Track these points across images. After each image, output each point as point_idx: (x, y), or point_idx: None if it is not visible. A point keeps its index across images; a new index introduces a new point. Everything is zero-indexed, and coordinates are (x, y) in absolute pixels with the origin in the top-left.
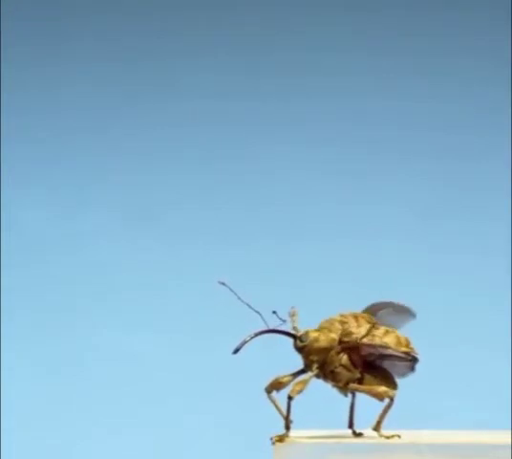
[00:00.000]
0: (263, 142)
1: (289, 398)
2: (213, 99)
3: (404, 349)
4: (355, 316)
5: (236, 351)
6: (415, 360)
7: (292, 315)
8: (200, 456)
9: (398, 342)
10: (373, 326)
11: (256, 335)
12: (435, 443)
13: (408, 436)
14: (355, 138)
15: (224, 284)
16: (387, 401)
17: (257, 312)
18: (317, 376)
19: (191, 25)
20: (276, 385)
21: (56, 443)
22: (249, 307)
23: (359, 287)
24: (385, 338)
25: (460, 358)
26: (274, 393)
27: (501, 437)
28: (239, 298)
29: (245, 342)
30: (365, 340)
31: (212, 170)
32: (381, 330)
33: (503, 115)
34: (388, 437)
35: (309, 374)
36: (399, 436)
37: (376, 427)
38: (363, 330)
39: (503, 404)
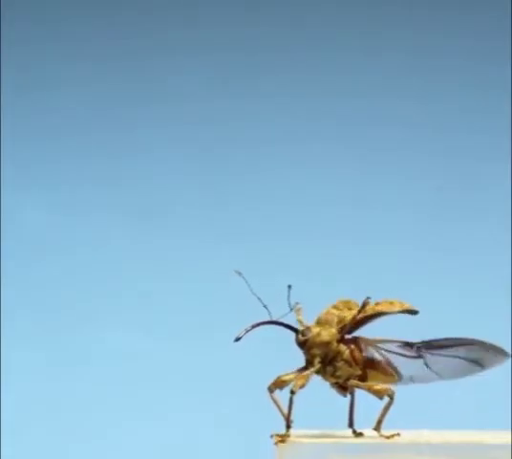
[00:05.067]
0: (262, 142)
1: (292, 393)
2: (214, 98)
3: (398, 309)
4: (347, 303)
5: (237, 339)
6: (412, 312)
7: (297, 310)
8: (201, 456)
9: (391, 306)
10: (365, 305)
11: (258, 325)
12: (435, 443)
13: (408, 436)
14: (355, 137)
15: (240, 274)
16: (387, 400)
17: (265, 306)
18: (318, 371)
19: (189, 24)
20: (279, 384)
21: (57, 442)
22: (259, 300)
23: (361, 285)
24: (377, 307)
25: None
26: (276, 392)
27: (501, 437)
28: (251, 290)
29: (246, 331)
30: (358, 316)
31: (213, 169)
32: (372, 303)
33: (503, 115)
34: (388, 437)
35: (311, 369)
36: (399, 434)
37: (377, 427)
38: (355, 311)
39: (503, 404)
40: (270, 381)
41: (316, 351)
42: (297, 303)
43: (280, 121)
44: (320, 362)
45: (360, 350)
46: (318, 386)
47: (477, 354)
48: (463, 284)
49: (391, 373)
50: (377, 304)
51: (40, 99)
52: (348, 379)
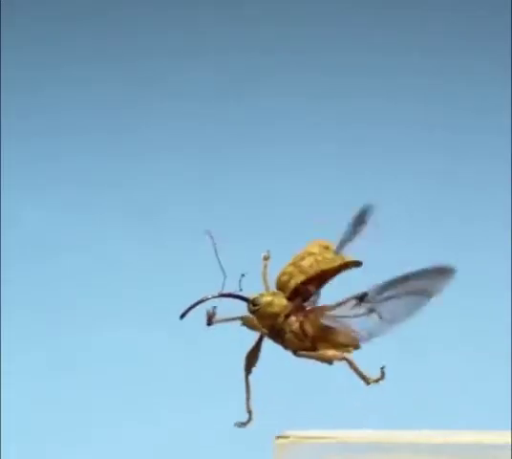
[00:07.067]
0: (259, 141)
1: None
2: (213, 98)
3: (339, 262)
4: (307, 253)
5: (182, 316)
6: (356, 264)
7: (265, 258)
8: (201, 456)
9: (333, 261)
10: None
11: (207, 299)
12: (434, 443)
13: (407, 436)
14: (356, 137)
15: (209, 235)
16: (345, 362)
17: (224, 274)
18: (269, 336)
19: (187, 24)
20: (250, 361)
21: (57, 441)
22: (220, 266)
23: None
24: (320, 266)
25: (460, 358)
26: (250, 378)
27: (501, 437)
28: (215, 253)
29: (192, 307)
30: (300, 280)
31: (212, 169)
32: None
33: (504, 115)
34: (376, 380)
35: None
36: (383, 366)
37: (365, 381)
38: (300, 276)
39: (503, 404)
40: (268, 381)
41: (267, 321)
42: (267, 251)
43: (278, 122)
44: (269, 331)
45: (311, 323)
46: (318, 388)
47: (424, 282)
48: (464, 284)
49: (342, 345)
50: (319, 264)
51: (40, 99)
52: (296, 351)
